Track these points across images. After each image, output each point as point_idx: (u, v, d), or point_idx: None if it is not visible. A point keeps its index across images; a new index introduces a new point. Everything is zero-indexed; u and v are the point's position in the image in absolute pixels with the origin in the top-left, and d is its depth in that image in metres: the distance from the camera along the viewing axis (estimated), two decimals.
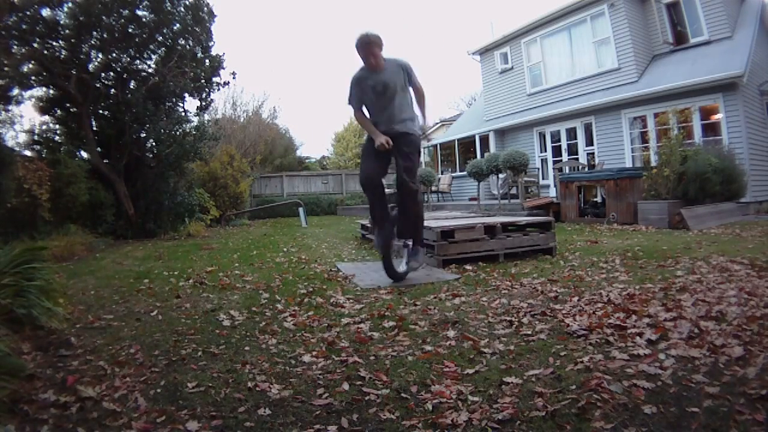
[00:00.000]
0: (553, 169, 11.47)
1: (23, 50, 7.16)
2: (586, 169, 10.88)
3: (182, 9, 8.40)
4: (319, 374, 1.91)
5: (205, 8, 8.68)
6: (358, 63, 3.48)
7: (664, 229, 6.61)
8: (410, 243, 3.68)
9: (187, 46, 8.57)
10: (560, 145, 12.49)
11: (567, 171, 10.86)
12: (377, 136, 3.36)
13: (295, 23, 63.72)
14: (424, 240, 3.82)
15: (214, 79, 9.26)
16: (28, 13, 7.08)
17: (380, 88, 3.39)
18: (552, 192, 11.15)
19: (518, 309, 2.73)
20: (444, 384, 1.75)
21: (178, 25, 8.31)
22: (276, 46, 54.32)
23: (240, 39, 47.10)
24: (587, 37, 11.90)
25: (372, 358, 2.08)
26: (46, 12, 7.43)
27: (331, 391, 1.74)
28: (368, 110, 3.54)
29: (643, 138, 10.70)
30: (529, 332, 2.30)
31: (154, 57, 8.63)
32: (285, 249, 6.19)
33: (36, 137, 8.32)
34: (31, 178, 6.42)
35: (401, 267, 3.68)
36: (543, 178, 12.56)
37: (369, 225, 6.64)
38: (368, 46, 3.32)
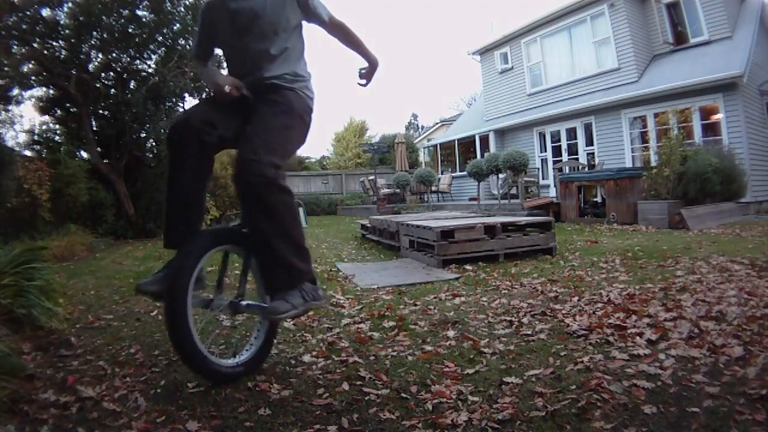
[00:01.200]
0: (553, 169, 11.48)
1: (23, 50, 7.16)
2: (586, 169, 10.88)
3: (182, 9, 8.40)
4: (319, 374, 1.91)
5: None
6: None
7: (664, 229, 6.61)
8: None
9: (187, 46, 8.56)
10: (560, 145, 12.49)
11: (567, 171, 10.86)
12: (218, 77, 1.89)
13: None
14: (312, 272, 1.91)
15: None
16: (28, 13, 7.09)
17: (244, 19, 1.88)
18: (552, 192, 11.15)
19: (518, 309, 2.73)
20: (444, 384, 1.75)
21: (178, 25, 8.32)
22: None
23: None
24: (587, 37, 11.90)
25: (372, 358, 2.08)
26: (46, 12, 7.44)
27: (331, 391, 1.74)
28: (227, 60, 2.08)
29: (643, 138, 10.70)
30: (529, 332, 2.30)
31: (154, 57, 8.64)
32: None
33: (36, 137, 8.33)
34: (31, 178, 6.42)
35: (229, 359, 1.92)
36: (543, 178, 12.56)
37: (369, 225, 6.65)
38: None
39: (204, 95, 9.31)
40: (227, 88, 1.81)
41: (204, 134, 1.79)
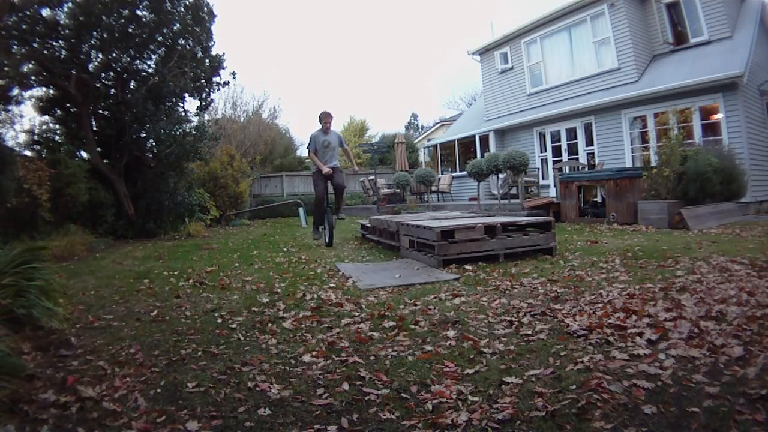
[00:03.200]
0: (553, 169, 11.47)
1: (23, 50, 7.15)
2: (586, 169, 10.87)
3: (182, 9, 8.39)
4: (319, 374, 1.91)
5: (205, 8, 8.68)
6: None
7: (664, 229, 6.61)
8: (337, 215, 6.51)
9: (187, 46, 8.56)
10: (560, 145, 12.49)
11: (567, 171, 10.86)
12: (324, 168, 6.14)
13: (294, 23, 63.72)
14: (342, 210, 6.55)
15: (214, 79, 9.25)
16: (28, 13, 7.08)
17: (326, 143, 6.24)
18: (552, 192, 11.14)
19: (518, 309, 2.73)
20: (444, 384, 1.75)
21: (178, 25, 8.31)
22: (276, 46, 54.33)
23: (240, 39, 47.12)
24: (587, 37, 11.90)
25: (372, 358, 2.08)
26: (46, 12, 7.43)
27: (331, 391, 1.75)
28: (318, 154, 6.24)
29: (643, 138, 10.70)
30: (529, 332, 2.30)
31: (154, 57, 8.62)
32: (285, 249, 6.19)
33: (36, 137, 8.32)
34: (31, 178, 6.42)
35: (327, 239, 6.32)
36: (543, 178, 12.56)
37: (369, 225, 6.70)
38: (329, 117, 6.24)
39: (204, 95, 9.34)
40: (325, 170, 6.14)
41: (326, 192, 6.36)
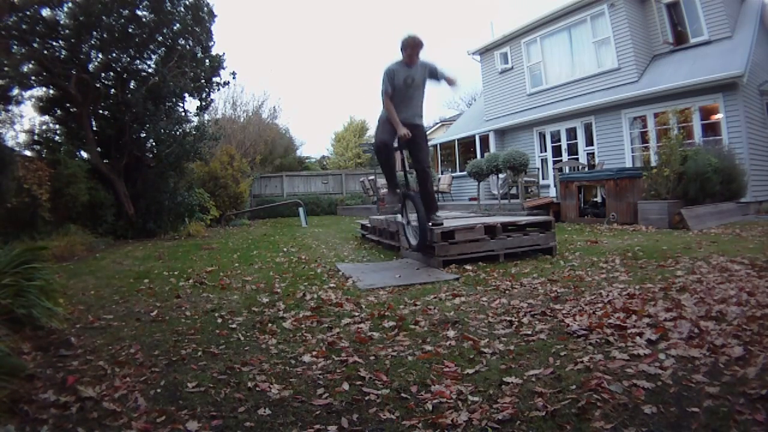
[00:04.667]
0: (553, 169, 11.47)
1: (23, 50, 7.15)
2: (586, 169, 10.87)
3: (182, 9, 8.39)
4: (319, 374, 1.91)
5: (205, 8, 8.68)
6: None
7: (664, 229, 6.61)
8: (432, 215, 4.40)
9: (187, 46, 8.56)
10: (560, 145, 12.48)
11: (567, 171, 10.86)
12: (399, 127, 4.02)
13: (295, 23, 63.73)
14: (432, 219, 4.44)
15: (214, 79, 9.26)
16: (28, 13, 7.08)
17: (410, 81, 4.10)
18: (552, 192, 11.14)
19: (518, 309, 2.73)
20: (444, 384, 1.75)
21: (178, 25, 8.31)
22: (276, 46, 54.34)
23: (240, 39, 47.11)
24: (587, 37, 11.89)
25: (372, 358, 2.08)
26: (46, 12, 7.43)
27: (331, 391, 1.74)
28: (395, 100, 4.12)
29: (643, 138, 10.69)
30: (529, 332, 2.30)
31: (154, 57, 8.62)
32: (285, 249, 6.19)
33: (36, 137, 8.32)
34: (31, 178, 6.42)
35: (413, 239, 4.49)
36: (543, 178, 12.55)
37: (369, 225, 6.67)
38: (415, 46, 4.04)
39: (204, 95, 9.35)
40: (401, 132, 4.02)
41: (390, 145, 4.21)
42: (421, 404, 1.61)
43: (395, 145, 4.28)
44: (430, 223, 4.29)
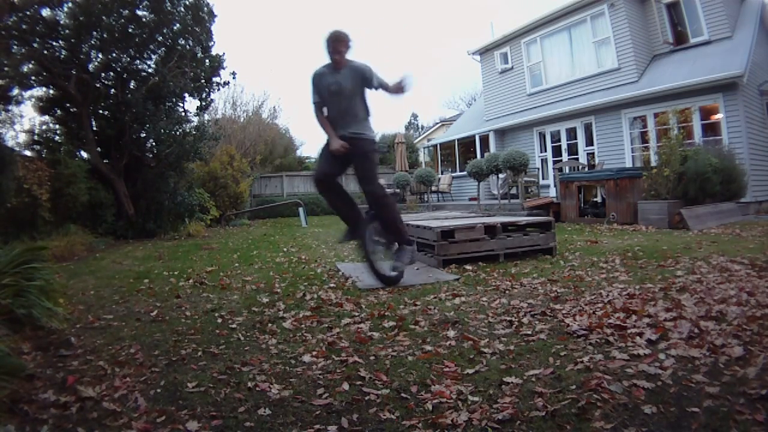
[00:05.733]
0: (553, 169, 11.47)
1: (23, 50, 7.15)
2: (586, 169, 10.87)
3: (182, 9, 8.39)
4: (319, 374, 1.91)
5: (205, 8, 8.68)
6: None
7: (664, 229, 6.61)
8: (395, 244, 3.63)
9: (187, 46, 8.56)
10: (560, 145, 12.48)
11: (567, 171, 10.86)
12: (332, 140, 3.34)
13: (295, 23, 63.74)
14: (411, 238, 3.79)
15: (214, 79, 9.25)
16: (28, 13, 7.08)
17: (334, 88, 3.35)
18: (552, 192, 11.14)
19: (518, 309, 2.73)
20: (444, 384, 1.75)
21: (178, 25, 8.31)
22: (276, 46, 54.32)
23: (240, 39, 47.09)
24: (587, 37, 11.89)
25: (372, 358, 2.08)
26: (46, 12, 7.43)
27: (331, 391, 1.74)
28: (327, 110, 3.48)
29: (643, 138, 10.69)
30: (529, 332, 2.30)
31: (154, 57, 8.62)
32: (285, 249, 6.19)
33: (36, 137, 8.32)
34: (31, 178, 6.42)
35: (388, 271, 3.57)
36: (543, 178, 12.55)
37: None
38: (341, 43, 3.33)
39: (204, 95, 9.34)
40: (342, 150, 3.32)
41: (332, 178, 3.53)
42: (421, 404, 1.61)
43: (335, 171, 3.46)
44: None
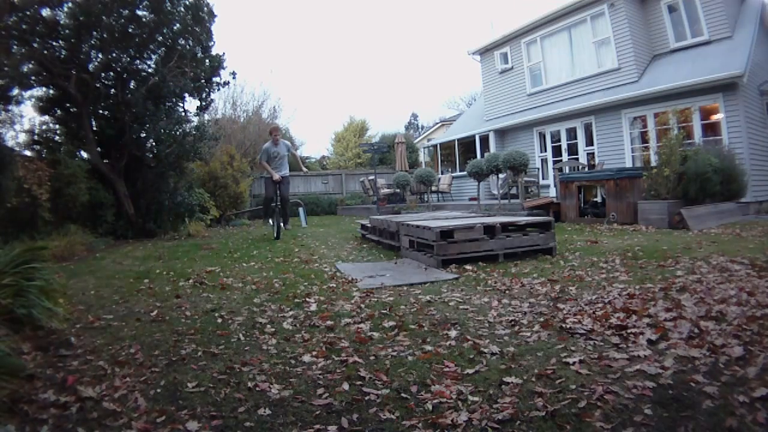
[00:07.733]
0: (553, 169, 11.47)
1: (23, 50, 7.15)
2: (586, 169, 10.87)
3: (182, 9, 8.38)
4: (319, 374, 1.91)
5: (205, 8, 8.67)
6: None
7: (664, 229, 6.61)
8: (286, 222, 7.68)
9: (187, 46, 8.55)
10: (560, 145, 12.48)
11: (567, 171, 10.85)
12: (274, 175, 7.10)
13: (295, 23, 63.73)
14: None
15: (214, 79, 9.24)
16: (28, 13, 7.07)
17: (276, 154, 7.23)
18: (552, 192, 11.14)
19: (518, 309, 2.73)
20: (444, 384, 1.75)
21: (178, 25, 8.30)
22: (276, 46, 54.31)
23: (240, 39, 47.08)
24: (587, 37, 11.89)
25: (372, 358, 2.08)
26: (46, 12, 7.42)
27: (331, 391, 1.74)
28: (270, 163, 7.20)
29: (643, 138, 10.69)
30: (529, 332, 2.30)
31: (154, 57, 8.61)
32: (285, 249, 6.19)
33: (36, 137, 8.31)
34: (31, 178, 6.41)
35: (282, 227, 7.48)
36: (543, 178, 12.56)
37: (369, 225, 6.72)
38: (277, 131, 7.46)
39: (204, 95, 9.34)
40: (276, 177, 7.17)
41: (275, 194, 7.30)
42: (421, 404, 1.61)
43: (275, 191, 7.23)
44: (283, 224, 7.52)
